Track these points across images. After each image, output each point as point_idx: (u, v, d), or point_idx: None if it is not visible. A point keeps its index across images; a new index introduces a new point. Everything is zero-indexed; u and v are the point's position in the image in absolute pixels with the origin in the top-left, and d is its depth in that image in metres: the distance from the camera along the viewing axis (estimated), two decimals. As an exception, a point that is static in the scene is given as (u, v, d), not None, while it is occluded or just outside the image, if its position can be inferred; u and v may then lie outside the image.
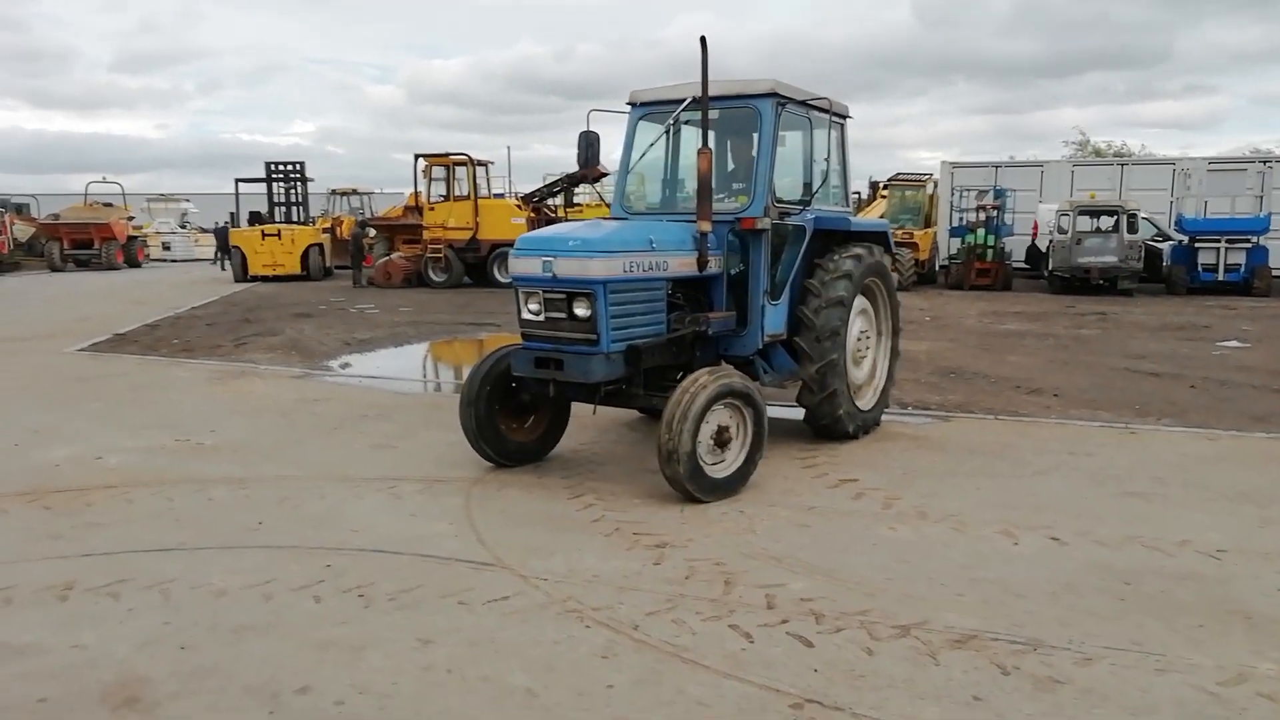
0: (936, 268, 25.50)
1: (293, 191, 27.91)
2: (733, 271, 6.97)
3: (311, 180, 28.39)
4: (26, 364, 11.70)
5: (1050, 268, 22.51)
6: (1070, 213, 21.88)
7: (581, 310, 6.01)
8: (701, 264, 6.58)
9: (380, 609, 4.37)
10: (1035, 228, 25.77)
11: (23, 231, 36.54)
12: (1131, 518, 5.72)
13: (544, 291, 6.14)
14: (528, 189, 28.11)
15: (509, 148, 47.94)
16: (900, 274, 23.07)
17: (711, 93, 6.53)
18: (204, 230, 40.20)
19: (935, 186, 26.88)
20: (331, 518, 5.70)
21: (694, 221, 6.49)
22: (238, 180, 28.07)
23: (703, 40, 6.18)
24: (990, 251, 23.20)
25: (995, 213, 23.30)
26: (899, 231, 24.36)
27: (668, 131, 7.34)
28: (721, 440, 6.03)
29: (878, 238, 7.99)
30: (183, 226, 43.32)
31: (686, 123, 7.28)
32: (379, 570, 4.83)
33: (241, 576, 4.73)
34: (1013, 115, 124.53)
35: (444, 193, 24.43)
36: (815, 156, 7.42)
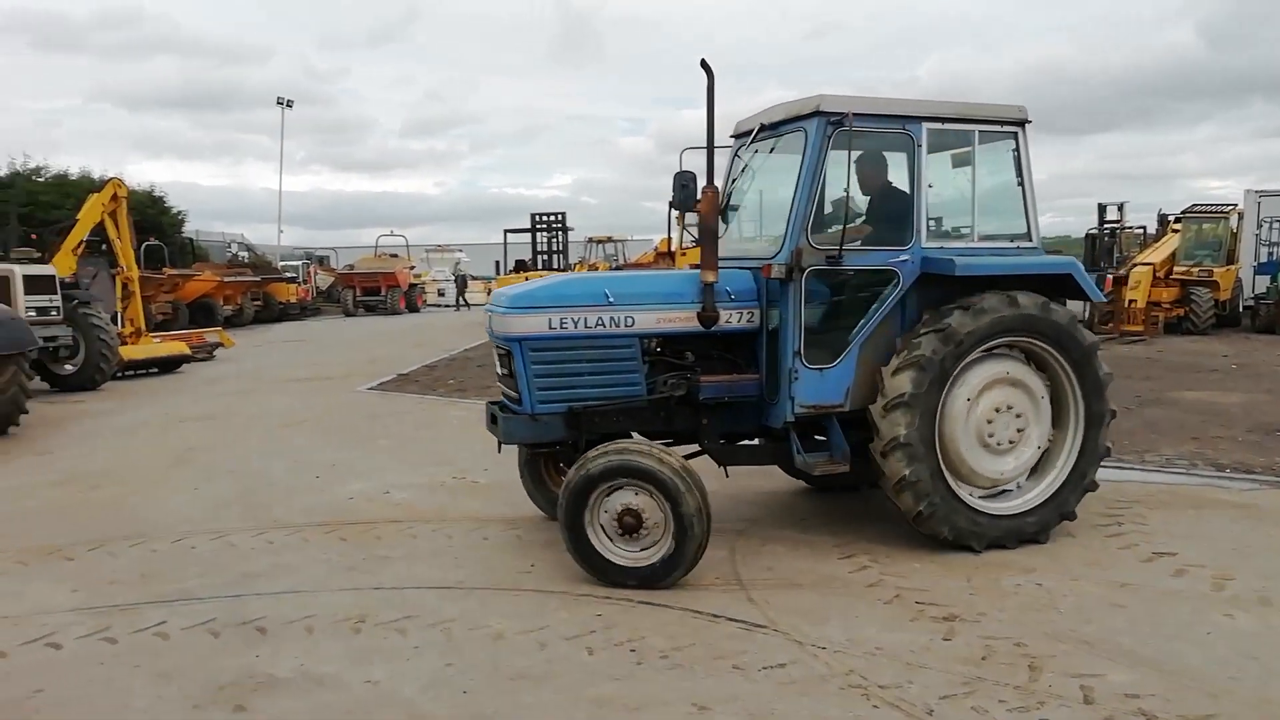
0: (1240, 309, 22.59)
1: (554, 240, 29.40)
2: (772, 326, 5.85)
3: (572, 229, 29.81)
4: (329, 401, 12.89)
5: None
6: None
7: (517, 368, 5.68)
8: (706, 319, 5.73)
9: (653, 667, 4.22)
10: (1368, 262, 22.23)
11: (324, 281, 41.14)
12: None
13: (496, 348, 6.01)
14: (776, 232, 27.98)
15: (761, 192, 48.01)
16: (1196, 317, 20.69)
17: (770, 119, 6.09)
18: (473, 278, 43.47)
19: (1240, 218, 23.90)
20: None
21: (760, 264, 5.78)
22: (506, 230, 30.00)
23: (704, 64, 5.45)
24: (1310, 290, 20.23)
25: (1316, 245, 20.33)
26: (1193, 269, 21.90)
27: (760, 154, 6.41)
28: (627, 526, 5.17)
29: (1047, 282, 5.91)
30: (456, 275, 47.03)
31: (771, 151, 6.31)
32: (649, 624, 4.70)
33: (517, 621, 4.76)
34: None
35: (696, 238, 24.76)
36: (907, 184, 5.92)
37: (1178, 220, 24.03)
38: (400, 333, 26.78)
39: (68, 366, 14.23)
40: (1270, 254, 21.73)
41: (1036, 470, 5.99)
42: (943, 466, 5.65)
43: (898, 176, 6.08)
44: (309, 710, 3.86)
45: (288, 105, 47.79)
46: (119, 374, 15.11)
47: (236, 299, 29.79)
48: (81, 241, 15.81)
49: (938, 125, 5.83)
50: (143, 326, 17.02)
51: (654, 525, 5.17)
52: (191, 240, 35.47)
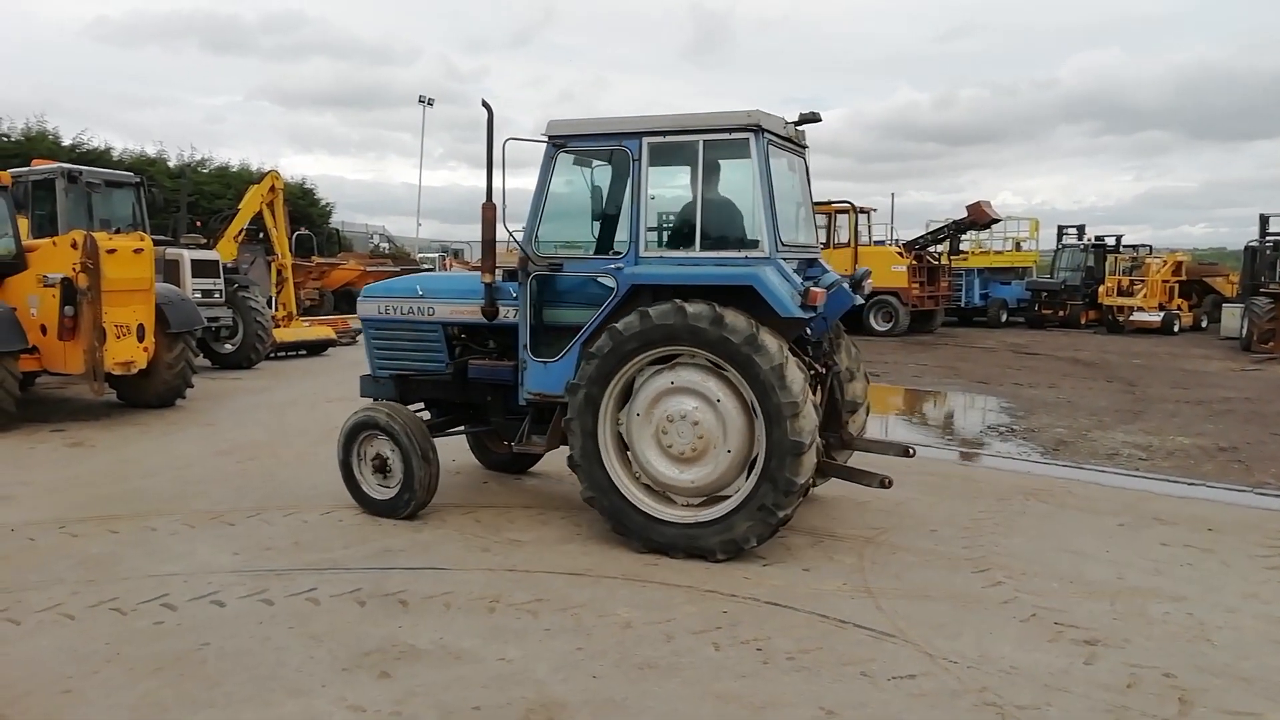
0: None
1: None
2: (557, 320, 6.32)
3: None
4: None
5: None
6: None
7: (364, 341, 7.40)
8: (486, 313, 6.50)
9: (779, 667, 4.22)
10: None
11: (458, 272, 42.57)
12: None
13: None
14: (909, 236, 27.35)
15: (893, 195, 47.09)
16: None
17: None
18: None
19: None
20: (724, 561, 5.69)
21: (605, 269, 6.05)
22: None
23: (485, 104, 6.19)
24: None
25: None
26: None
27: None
28: (377, 467, 6.52)
29: (734, 292, 5.61)
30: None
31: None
32: (775, 624, 4.70)
33: (644, 612, 4.84)
34: None
35: (824, 240, 24.45)
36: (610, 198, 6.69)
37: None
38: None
39: (227, 346, 15.21)
40: None
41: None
42: (612, 459, 5.88)
43: (730, 189, 6.21)
44: (447, 682, 4.03)
45: (428, 104, 49.66)
46: (271, 354, 16.07)
47: (377, 288, 31.08)
48: (242, 229, 16.87)
49: (658, 139, 5.90)
50: (294, 311, 18.03)
51: (393, 471, 6.45)
52: (338, 231, 37.18)
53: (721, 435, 5.62)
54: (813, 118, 6.44)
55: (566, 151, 6.25)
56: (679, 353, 5.69)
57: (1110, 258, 28.44)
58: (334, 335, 18.20)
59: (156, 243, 11.96)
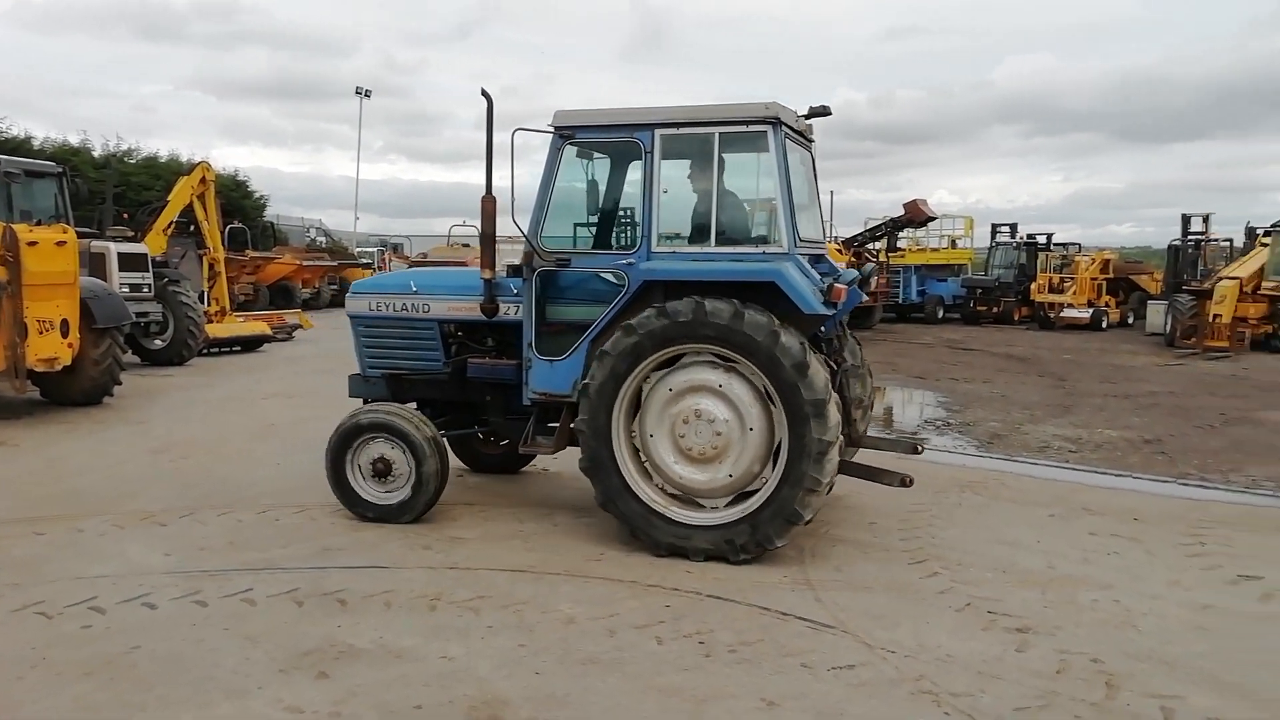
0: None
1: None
2: (564, 317, 6.14)
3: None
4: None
5: None
6: None
7: (353, 338, 7.04)
8: (486, 310, 6.31)
9: (721, 660, 4.26)
10: None
11: (398, 267, 41.97)
12: None
13: None
14: (847, 234, 27.72)
15: (831, 192, 47.68)
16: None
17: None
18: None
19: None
20: (667, 556, 5.72)
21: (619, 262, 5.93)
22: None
23: (485, 94, 5.98)
24: None
25: None
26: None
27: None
28: (378, 470, 6.19)
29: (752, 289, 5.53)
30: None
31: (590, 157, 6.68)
32: (717, 617, 4.74)
33: (587, 607, 4.84)
34: None
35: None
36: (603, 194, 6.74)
37: (1267, 234, 23.13)
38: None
39: (157, 342, 14.80)
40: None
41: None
42: (626, 460, 5.75)
43: (745, 182, 6.12)
44: (388, 681, 3.99)
45: (366, 95, 48.86)
46: (204, 351, 15.66)
47: (314, 282, 30.57)
48: (171, 222, 16.42)
49: (671, 131, 5.80)
50: (227, 306, 17.61)
51: (399, 474, 6.17)
52: (272, 224, 36.52)
53: (735, 457, 5.55)
54: (823, 111, 6.39)
55: (573, 143, 6.05)
56: (731, 358, 5.53)
57: (1041, 256, 29.23)
58: (270, 331, 17.83)
59: (81, 235, 11.57)
